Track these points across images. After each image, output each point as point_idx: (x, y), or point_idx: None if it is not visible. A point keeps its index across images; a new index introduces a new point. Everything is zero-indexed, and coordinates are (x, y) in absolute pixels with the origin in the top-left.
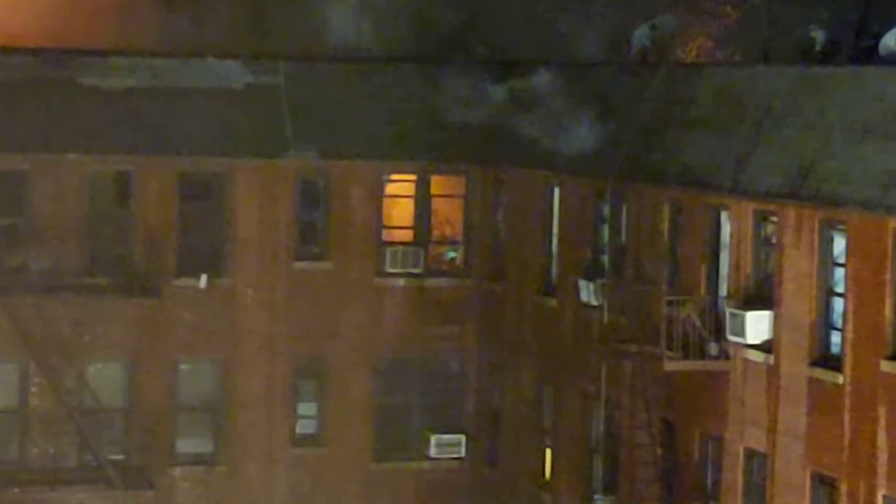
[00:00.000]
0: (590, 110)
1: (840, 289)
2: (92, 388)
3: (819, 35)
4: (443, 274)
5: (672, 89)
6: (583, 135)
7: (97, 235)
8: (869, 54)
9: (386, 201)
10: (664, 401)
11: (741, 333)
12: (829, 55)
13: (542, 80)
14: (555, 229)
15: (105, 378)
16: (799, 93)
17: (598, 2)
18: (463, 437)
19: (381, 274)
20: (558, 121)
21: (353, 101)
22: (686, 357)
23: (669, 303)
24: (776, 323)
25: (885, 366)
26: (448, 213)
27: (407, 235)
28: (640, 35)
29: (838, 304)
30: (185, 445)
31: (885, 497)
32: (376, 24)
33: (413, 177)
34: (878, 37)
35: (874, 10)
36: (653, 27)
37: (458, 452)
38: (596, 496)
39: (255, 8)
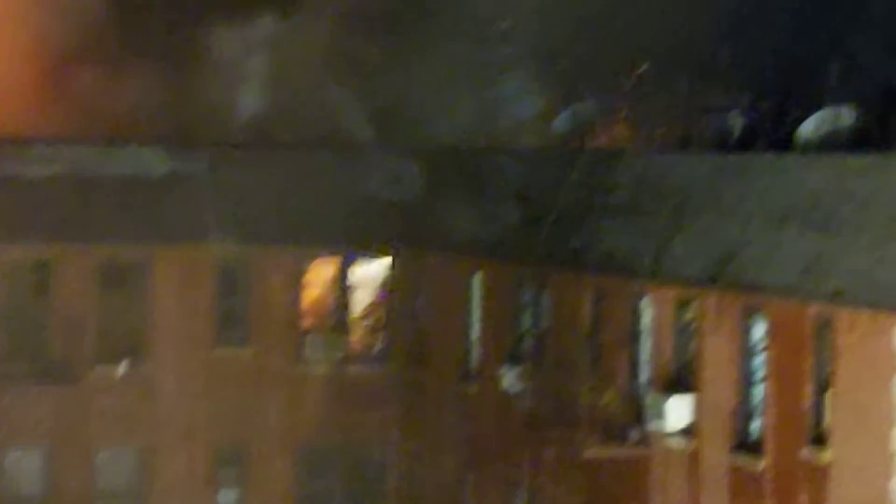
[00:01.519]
0: (511, 196)
1: (761, 375)
2: (10, 476)
3: (737, 122)
4: (364, 360)
5: (593, 175)
6: (504, 220)
7: (15, 323)
8: (787, 142)
9: (307, 287)
10: (586, 488)
11: (662, 419)
12: (747, 142)
13: (464, 164)
14: (476, 315)
15: (23, 466)
16: (718, 180)
17: (518, 86)
18: None
19: (302, 361)
20: (480, 206)
21: (275, 187)
22: (607, 444)
23: (591, 389)
24: (697, 409)
25: (805, 452)
26: (370, 298)
27: (328, 322)
28: (561, 121)
29: (759, 390)
30: None
31: None
32: (297, 109)
33: (334, 262)
34: (796, 124)
35: (792, 98)
36: (574, 113)
37: None
38: None
39: (178, 94)
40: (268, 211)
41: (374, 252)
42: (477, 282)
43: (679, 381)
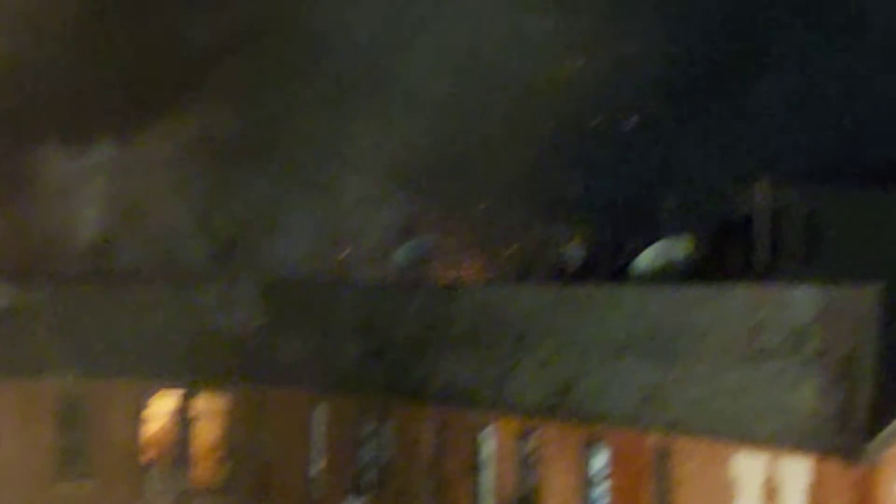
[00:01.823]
0: (353, 328)
1: (603, 503)
2: None
3: (576, 254)
4: (206, 493)
5: (434, 307)
6: (346, 353)
7: None
8: (622, 273)
9: (148, 420)
10: None
11: None
12: (586, 274)
13: (306, 296)
14: (319, 447)
15: None
16: (557, 311)
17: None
18: None
19: (144, 494)
20: (322, 338)
21: (116, 320)
22: None
23: None
24: None
25: None
26: (211, 431)
27: (169, 455)
28: (401, 254)
29: None
30: None
31: None
32: (136, 237)
33: (175, 395)
34: (633, 256)
35: (628, 231)
36: (413, 247)
37: None
38: None
39: (14, 223)
40: (108, 344)
41: (215, 385)
42: (319, 414)
43: None
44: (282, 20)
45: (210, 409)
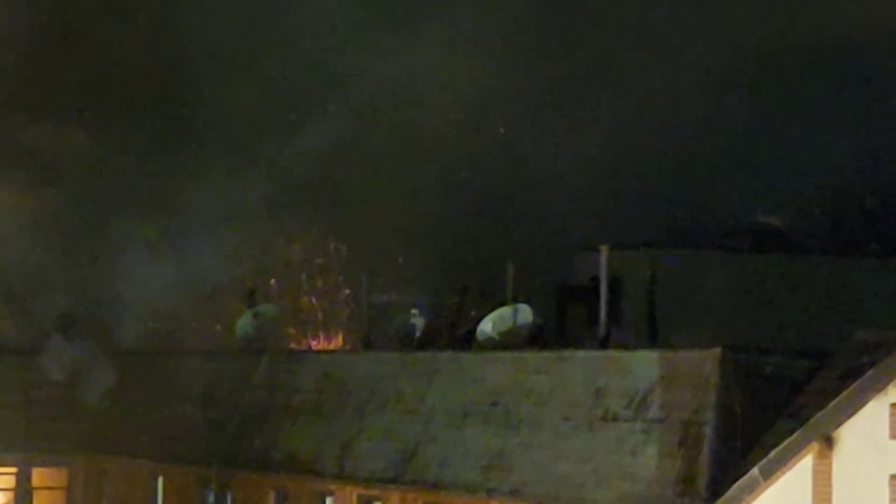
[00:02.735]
0: (195, 397)
1: None
2: None
3: (419, 321)
4: None
5: (276, 376)
6: (189, 422)
7: None
8: (466, 340)
9: None
10: None
11: None
12: (429, 341)
13: (147, 367)
14: None
15: None
16: (400, 378)
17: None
18: None
19: None
20: (164, 408)
21: None
22: None
23: None
24: None
25: None
26: None
27: None
28: (244, 323)
29: None
30: None
31: None
32: None
33: (13, 469)
34: (475, 323)
35: (470, 297)
36: (255, 315)
37: None
38: None
39: None
40: None
41: (55, 458)
42: (160, 484)
43: None
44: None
45: (50, 482)
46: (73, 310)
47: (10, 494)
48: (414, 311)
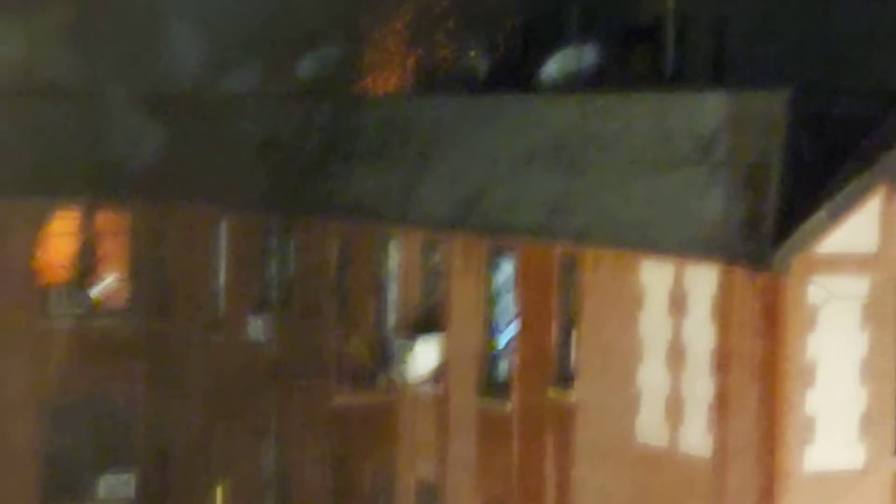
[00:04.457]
0: (256, 143)
1: (509, 316)
2: None
3: (481, 63)
4: (109, 313)
5: (338, 120)
6: (250, 168)
7: None
8: (531, 82)
9: (49, 239)
10: (336, 435)
11: (409, 364)
12: (492, 83)
13: (208, 112)
14: (222, 265)
15: None
16: (463, 122)
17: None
18: (133, 477)
19: (45, 315)
20: (225, 154)
21: (14, 136)
22: (355, 390)
23: (338, 336)
24: (445, 352)
25: (552, 392)
26: (114, 250)
27: (71, 274)
28: (306, 66)
29: (507, 332)
30: None
31: None
32: (39, 57)
33: (76, 214)
34: (539, 65)
35: (535, 38)
36: (318, 58)
37: (129, 492)
38: None
39: None
40: (6, 161)
41: (117, 203)
42: (223, 230)
43: (427, 324)
44: None
45: (112, 227)
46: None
47: (75, 238)
48: (478, 54)
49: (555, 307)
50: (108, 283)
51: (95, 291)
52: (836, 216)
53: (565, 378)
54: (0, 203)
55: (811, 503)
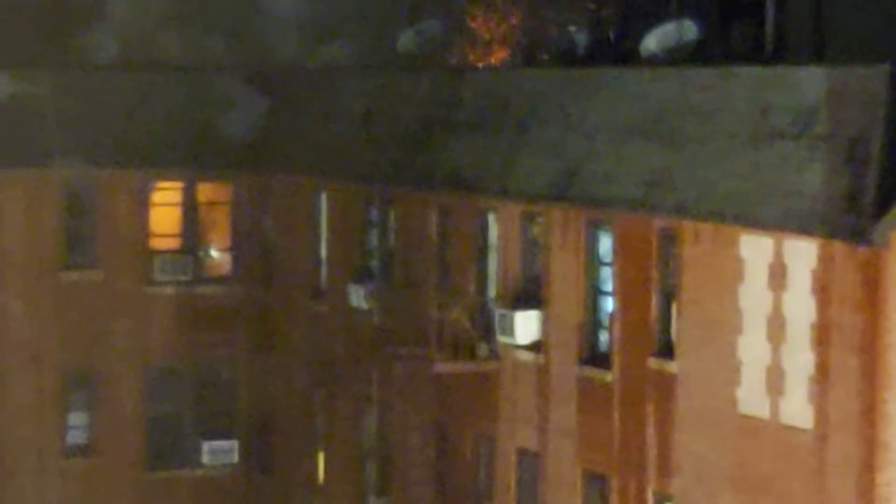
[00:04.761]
0: (356, 115)
1: (607, 288)
2: None
3: (581, 37)
4: (212, 281)
5: (437, 93)
6: (350, 140)
7: None
8: (630, 56)
9: (154, 209)
10: (436, 403)
11: (510, 333)
12: (591, 57)
13: (308, 85)
14: (324, 235)
15: None
16: (562, 95)
17: (361, 6)
18: (236, 443)
19: (151, 282)
20: (325, 126)
21: (120, 110)
22: (456, 359)
23: (439, 305)
24: (545, 322)
25: (652, 363)
26: (217, 220)
27: (175, 243)
28: (406, 39)
29: (606, 303)
30: None
31: (654, 493)
32: (143, 33)
33: (180, 185)
34: (639, 39)
35: (634, 12)
36: (418, 31)
37: (231, 458)
38: (370, 499)
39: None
40: (113, 133)
41: (220, 174)
42: (324, 201)
43: (527, 295)
44: None
45: (216, 197)
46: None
47: (178, 209)
48: (578, 27)
49: (653, 279)
50: (212, 253)
51: (200, 260)
52: None
53: (666, 349)
54: (109, 174)
55: None
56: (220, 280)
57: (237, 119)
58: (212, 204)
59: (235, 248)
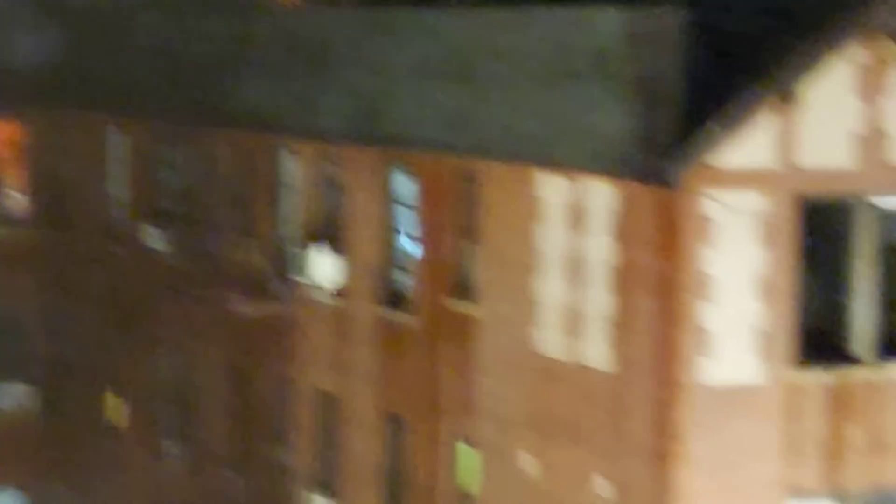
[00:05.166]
0: (149, 51)
1: (406, 229)
2: None
3: None
4: (8, 223)
5: (232, 29)
6: (143, 77)
7: None
8: None
9: None
10: (235, 345)
11: (307, 275)
12: None
13: (101, 19)
14: (118, 174)
15: None
16: (361, 34)
17: None
18: (32, 388)
19: None
20: (118, 62)
21: None
22: (253, 299)
23: (235, 245)
24: (343, 264)
25: (452, 304)
26: (11, 160)
27: None
28: None
29: (406, 244)
30: None
31: (453, 434)
32: None
33: None
34: None
35: None
36: None
37: (27, 402)
38: (168, 442)
39: None
40: None
41: (11, 110)
42: (115, 140)
43: (324, 236)
44: None
45: (9, 136)
46: None
47: None
48: None
49: (454, 221)
50: (7, 194)
51: None
52: (727, 128)
53: (466, 291)
54: None
55: (708, 415)
56: (16, 222)
57: (24, 56)
58: (4, 143)
59: (31, 190)
